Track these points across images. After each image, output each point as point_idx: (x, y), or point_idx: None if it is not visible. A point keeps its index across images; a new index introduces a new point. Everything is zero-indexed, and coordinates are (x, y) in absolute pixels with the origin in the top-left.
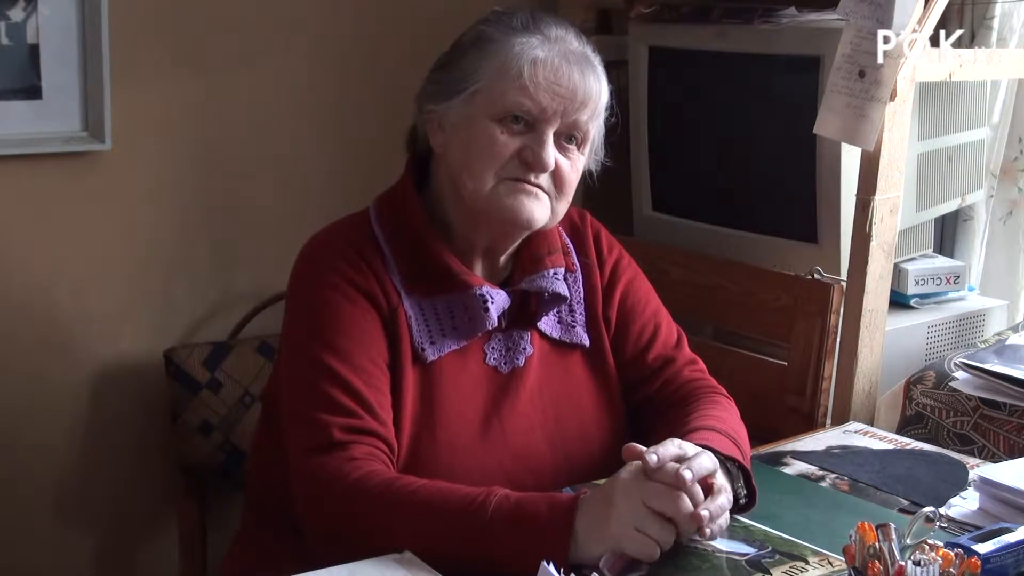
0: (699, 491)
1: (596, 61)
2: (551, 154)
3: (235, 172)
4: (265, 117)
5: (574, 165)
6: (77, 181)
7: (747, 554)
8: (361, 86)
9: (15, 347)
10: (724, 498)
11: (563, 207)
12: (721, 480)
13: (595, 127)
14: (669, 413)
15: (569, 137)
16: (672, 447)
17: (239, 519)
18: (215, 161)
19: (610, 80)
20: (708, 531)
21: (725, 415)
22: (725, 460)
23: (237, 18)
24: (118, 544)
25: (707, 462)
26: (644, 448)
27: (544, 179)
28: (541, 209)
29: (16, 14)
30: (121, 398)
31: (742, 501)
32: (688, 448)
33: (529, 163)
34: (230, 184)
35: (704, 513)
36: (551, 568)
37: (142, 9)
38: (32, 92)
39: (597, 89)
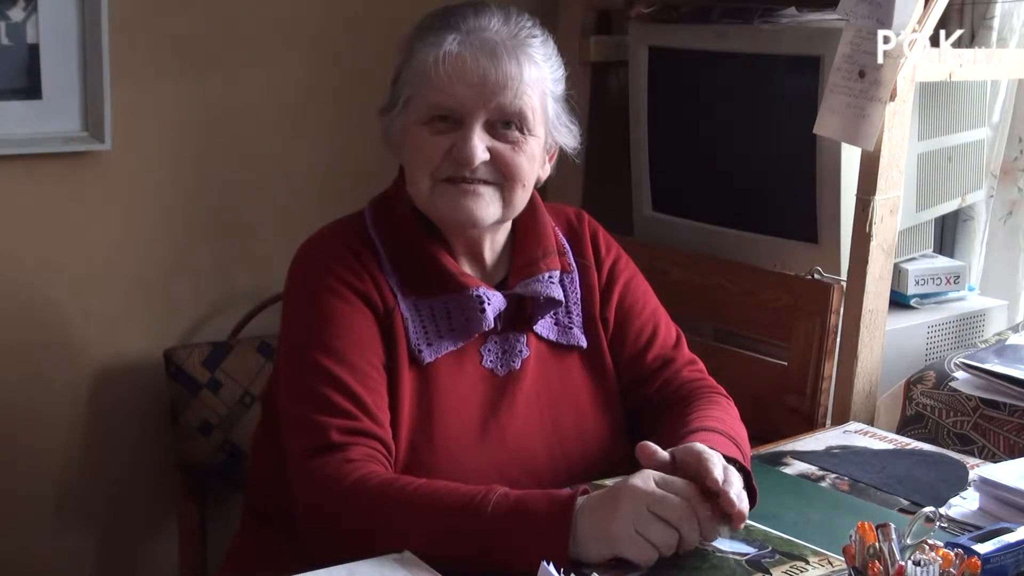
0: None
1: (527, 40)
2: (475, 147)
3: (235, 172)
4: (265, 117)
5: (518, 148)
6: (77, 181)
7: (747, 554)
8: (360, 86)
9: (15, 347)
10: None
11: (520, 194)
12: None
13: (532, 106)
14: (668, 413)
15: (505, 123)
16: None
17: (239, 519)
18: (215, 161)
19: (610, 80)
20: (741, 525)
21: (725, 415)
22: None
23: (237, 19)
24: (118, 544)
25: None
26: (657, 447)
27: (484, 172)
28: (484, 206)
29: (16, 14)
30: (121, 398)
31: None
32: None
33: (457, 160)
34: (230, 184)
35: (744, 509)
36: (551, 568)
37: (142, 9)
38: (32, 92)
39: (516, 70)
